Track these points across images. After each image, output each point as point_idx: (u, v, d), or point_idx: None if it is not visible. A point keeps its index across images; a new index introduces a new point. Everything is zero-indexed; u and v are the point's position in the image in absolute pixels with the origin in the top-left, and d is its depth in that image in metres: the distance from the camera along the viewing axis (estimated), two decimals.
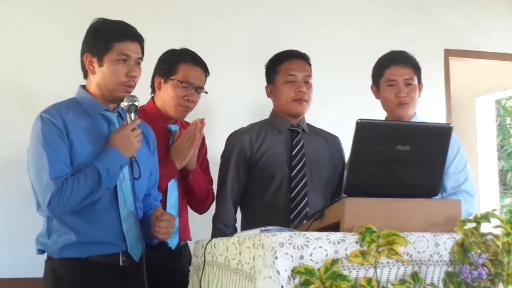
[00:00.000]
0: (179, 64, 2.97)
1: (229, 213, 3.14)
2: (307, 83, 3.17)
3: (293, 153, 3.15)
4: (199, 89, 2.99)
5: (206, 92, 3.03)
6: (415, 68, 3.16)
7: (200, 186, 3.04)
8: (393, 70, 3.12)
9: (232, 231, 3.02)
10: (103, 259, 2.46)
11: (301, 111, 3.19)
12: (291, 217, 3.04)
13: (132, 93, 2.53)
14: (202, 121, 2.92)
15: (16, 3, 3.79)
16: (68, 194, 2.35)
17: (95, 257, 2.45)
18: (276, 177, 3.11)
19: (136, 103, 2.50)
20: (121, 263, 2.49)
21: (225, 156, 3.21)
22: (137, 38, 2.56)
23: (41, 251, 2.52)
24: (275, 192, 3.10)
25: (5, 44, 3.72)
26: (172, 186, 2.93)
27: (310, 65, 3.23)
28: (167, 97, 2.96)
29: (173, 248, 2.91)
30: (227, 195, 3.14)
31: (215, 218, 3.14)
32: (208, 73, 3.05)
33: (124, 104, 2.50)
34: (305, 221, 2.97)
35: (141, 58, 2.57)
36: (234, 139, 3.21)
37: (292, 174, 3.11)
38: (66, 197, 2.35)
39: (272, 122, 3.24)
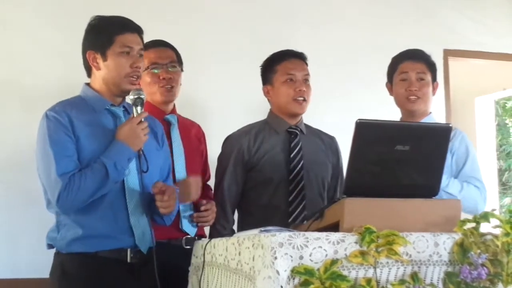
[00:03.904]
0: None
1: (226, 216, 3.13)
2: (306, 82, 3.14)
3: (291, 155, 3.12)
4: (168, 64, 3.02)
5: (175, 66, 3.04)
6: (430, 65, 3.17)
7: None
8: (406, 64, 3.14)
9: (229, 233, 3.00)
10: (111, 254, 2.46)
11: (301, 111, 3.16)
12: (290, 220, 3.02)
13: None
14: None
15: (16, 3, 3.79)
16: (76, 189, 2.36)
17: (103, 252, 2.45)
18: (273, 180, 3.09)
19: (142, 96, 2.51)
20: (129, 260, 2.48)
21: (223, 159, 3.19)
22: (137, 30, 2.58)
23: (50, 246, 2.52)
24: (273, 195, 3.08)
25: (4, 44, 3.72)
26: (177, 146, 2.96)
27: (307, 64, 3.20)
28: (148, 88, 2.98)
29: (192, 235, 2.91)
30: (224, 198, 3.13)
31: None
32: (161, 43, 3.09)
33: (130, 97, 2.52)
34: (304, 222, 2.98)
35: (143, 49, 2.59)
36: (232, 142, 3.19)
37: (290, 177, 3.09)
38: (74, 193, 2.36)
39: (270, 123, 3.20)
